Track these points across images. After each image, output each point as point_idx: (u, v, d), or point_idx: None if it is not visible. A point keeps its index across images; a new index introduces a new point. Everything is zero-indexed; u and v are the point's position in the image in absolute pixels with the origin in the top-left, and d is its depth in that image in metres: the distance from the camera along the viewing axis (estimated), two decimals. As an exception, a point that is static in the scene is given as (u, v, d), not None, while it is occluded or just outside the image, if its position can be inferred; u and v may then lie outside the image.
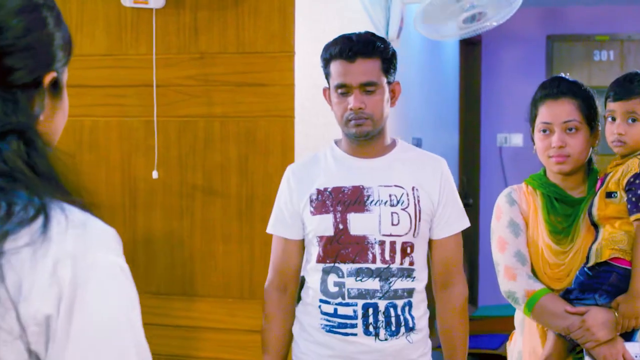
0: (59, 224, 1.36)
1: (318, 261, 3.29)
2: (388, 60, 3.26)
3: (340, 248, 3.25)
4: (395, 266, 3.23)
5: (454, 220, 3.35)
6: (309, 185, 3.33)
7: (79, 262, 1.35)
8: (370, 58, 3.22)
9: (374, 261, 3.22)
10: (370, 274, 3.22)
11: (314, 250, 3.32)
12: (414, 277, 3.27)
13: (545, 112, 3.32)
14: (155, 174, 4.28)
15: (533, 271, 3.32)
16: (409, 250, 3.25)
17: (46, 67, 1.49)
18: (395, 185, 3.28)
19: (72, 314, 1.33)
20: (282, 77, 4.14)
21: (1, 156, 1.37)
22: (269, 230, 3.45)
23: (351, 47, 3.22)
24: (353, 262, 3.22)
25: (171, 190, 4.35)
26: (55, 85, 1.52)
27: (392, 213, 3.24)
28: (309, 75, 4.24)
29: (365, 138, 3.27)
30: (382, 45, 3.26)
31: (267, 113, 4.18)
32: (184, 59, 4.30)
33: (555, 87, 3.34)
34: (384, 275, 3.22)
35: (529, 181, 3.44)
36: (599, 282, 3.14)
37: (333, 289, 3.26)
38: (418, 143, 6.69)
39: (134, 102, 4.36)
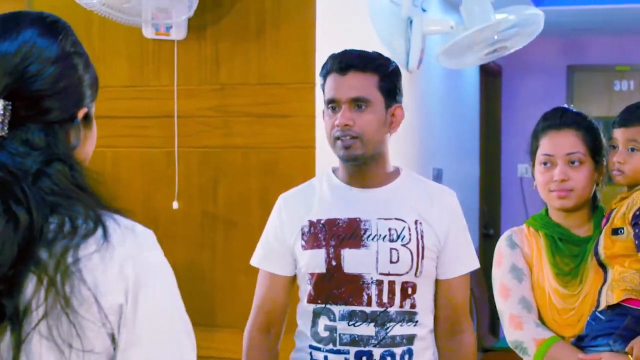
0: (115, 231, 1.67)
1: (309, 301, 2.96)
2: (387, 78, 2.94)
3: (333, 287, 2.90)
4: (393, 309, 2.88)
5: (463, 259, 3.03)
6: (302, 217, 3.00)
7: (137, 261, 1.68)
8: (363, 72, 2.91)
9: (369, 303, 2.87)
10: (365, 318, 2.87)
11: (304, 288, 2.98)
12: (417, 322, 2.92)
13: (547, 144, 3.12)
14: (175, 205, 4.29)
15: (541, 319, 3.08)
16: (410, 291, 2.91)
17: (78, 104, 1.75)
18: (396, 219, 2.93)
19: (137, 302, 1.66)
20: (303, 108, 4.15)
21: (52, 180, 1.64)
22: (253, 262, 3.12)
23: (344, 59, 2.93)
24: (346, 303, 2.88)
25: (192, 221, 4.36)
26: (86, 117, 1.78)
27: (391, 249, 2.89)
28: (329, 106, 4.24)
29: (356, 163, 2.93)
30: (380, 61, 2.96)
31: (289, 144, 4.19)
32: (205, 90, 4.32)
33: (558, 118, 3.15)
34: (380, 319, 2.87)
35: (530, 222, 3.20)
36: (613, 327, 2.90)
37: (324, 333, 2.91)
38: (439, 173, 6.69)
39: (156, 133, 4.38)
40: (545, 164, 3.13)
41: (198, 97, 4.33)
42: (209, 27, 4.31)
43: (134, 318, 1.66)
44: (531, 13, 5.09)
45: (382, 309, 2.87)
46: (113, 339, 1.66)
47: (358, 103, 2.89)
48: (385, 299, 2.88)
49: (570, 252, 3.10)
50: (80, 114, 1.76)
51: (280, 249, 3.03)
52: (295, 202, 3.07)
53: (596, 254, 3.00)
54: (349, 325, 2.88)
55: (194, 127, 4.33)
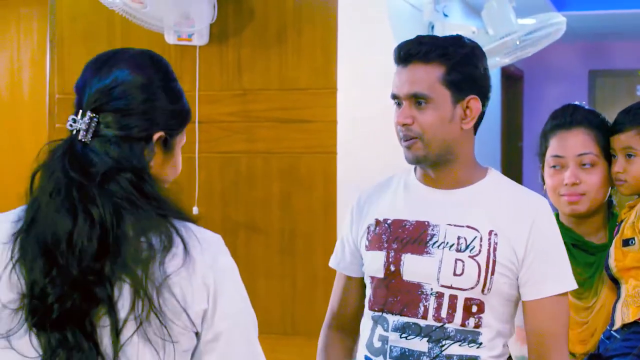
0: (193, 243, 1.94)
1: (369, 307, 2.69)
2: (456, 68, 2.57)
3: (389, 295, 2.62)
4: (452, 326, 2.54)
5: (547, 279, 2.57)
6: (370, 214, 2.73)
7: (215, 269, 1.95)
8: (425, 63, 2.56)
9: (424, 316, 2.56)
10: (419, 331, 2.57)
11: (367, 293, 2.72)
12: (480, 344, 2.56)
13: (557, 145, 2.87)
14: (195, 210, 4.29)
15: None
16: (475, 309, 2.55)
17: (155, 128, 1.99)
18: (468, 226, 2.58)
19: (216, 303, 1.94)
20: (325, 114, 4.15)
21: (119, 185, 1.89)
22: (330, 263, 2.91)
23: (405, 48, 2.60)
24: (400, 313, 2.59)
25: (213, 226, 4.34)
26: (166, 143, 2.02)
27: (456, 260, 2.55)
28: (351, 111, 4.25)
29: (421, 165, 2.64)
30: (448, 49, 2.57)
31: (310, 149, 4.19)
32: (227, 95, 4.33)
33: (567, 116, 2.89)
34: (434, 335, 2.55)
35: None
36: (629, 346, 2.65)
37: (377, 344, 2.64)
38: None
39: (177, 138, 4.38)
40: (554, 166, 2.89)
41: (220, 102, 4.34)
42: (230, 33, 4.32)
43: (214, 316, 1.94)
44: (554, 21, 5.08)
45: (438, 324, 2.55)
46: (197, 335, 1.94)
47: (417, 99, 2.56)
48: (443, 314, 2.55)
49: (584, 260, 2.86)
50: (156, 136, 1.99)
51: (351, 248, 2.80)
52: (367, 199, 2.78)
53: (607, 268, 2.77)
54: (400, 337, 2.59)
55: (216, 133, 4.33)
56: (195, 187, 4.33)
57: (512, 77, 9.03)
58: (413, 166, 2.71)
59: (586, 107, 2.96)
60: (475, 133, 2.68)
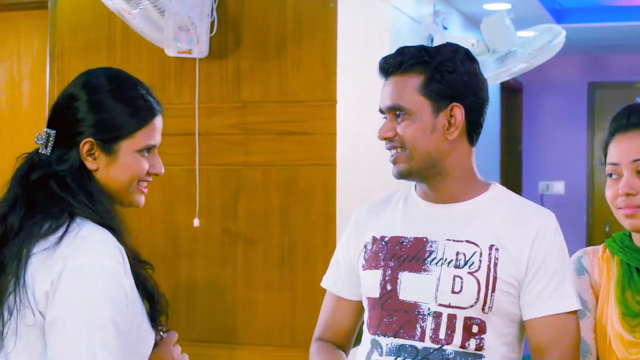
0: (68, 238, 2.09)
1: (368, 329, 2.52)
2: (436, 76, 2.44)
3: (384, 315, 2.46)
4: (451, 348, 2.37)
5: (549, 296, 2.40)
6: (368, 232, 2.59)
7: (68, 262, 2.06)
8: (404, 74, 2.46)
9: (421, 338, 2.39)
10: (415, 354, 2.39)
11: (365, 315, 2.57)
12: None
13: (613, 151, 2.47)
14: (196, 222, 4.30)
15: None
16: (475, 329, 2.38)
17: (79, 136, 2.19)
18: (468, 241, 2.43)
19: (56, 289, 2.05)
20: (324, 126, 4.15)
21: (44, 191, 2.17)
22: (322, 283, 2.76)
23: (385, 61, 2.53)
24: (395, 335, 2.42)
25: (213, 238, 4.36)
26: (106, 148, 2.20)
27: (454, 277, 2.40)
28: (351, 123, 4.25)
29: (409, 179, 2.52)
30: (425, 57, 2.45)
31: (309, 162, 4.19)
32: (227, 108, 4.33)
33: (625, 118, 2.48)
34: (432, 358, 2.38)
35: (609, 242, 2.55)
36: None
37: None
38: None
39: (177, 150, 4.39)
40: (611, 175, 2.47)
41: (219, 114, 4.34)
42: (230, 45, 4.32)
43: (53, 300, 2.05)
44: (554, 32, 5.08)
45: (436, 346, 2.38)
46: (42, 315, 2.07)
47: (396, 112, 2.47)
48: (441, 335, 2.38)
49: None
50: (83, 144, 2.19)
51: (347, 268, 2.64)
52: (365, 216, 2.65)
53: None
54: None
55: (215, 145, 4.34)
56: (195, 199, 4.33)
57: (511, 90, 9.04)
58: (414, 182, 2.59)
59: None
60: (473, 144, 2.55)
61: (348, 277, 2.63)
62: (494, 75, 5.43)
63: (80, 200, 2.16)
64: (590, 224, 9.04)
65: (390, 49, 4.89)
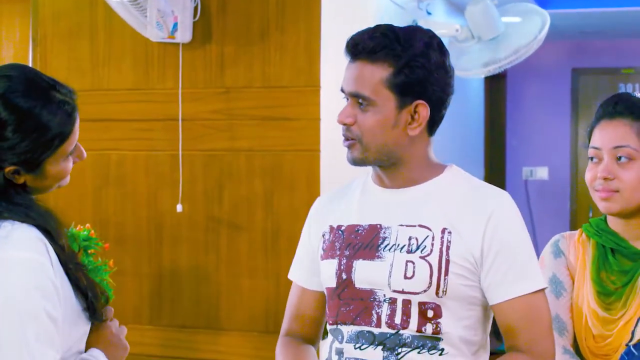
0: None
1: (328, 320, 2.51)
2: (404, 70, 2.34)
3: (341, 304, 2.43)
4: (408, 333, 2.34)
5: (513, 279, 2.34)
6: (325, 222, 2.55)
7: None
8: (372, 62, 2.35)
9: (378, 324, 2.36)
10: (372, 340, 2.38)
11: (326, 306, 2.54)
12: (442, 351, 2.35)
13: (596, 135, 2.57)
14: (179, 208, 4.29)
15: (576, 343, 2.59)
16: (430, 314, 2.35)
17: (4, 163, 2.12)
18: (420, 225, 2.38)
19: None
20: (308, 112, 4.15)
21: None
22: (289, 275, 2.72)
23: (355, 41, 2.38)
24: (353, 323, 2.40)
25: (197, 224, 4.35)
26: (31, 169, 2.15)
27: (406, 262, 2.35)
28: (335, 109, 4.20)
29: (362, 166, 2.46)
30: (397, 49, 2.34)
31: (293, 147, 4.19)
32: (210, 93, 4.32)
33: (611, 105, 2.57)
34: (389, 343, 2.35)
35: (586, 226, 2.66)
36: None
37: (334, 358, 2.45)
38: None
39: (160, 136, 4.38)
40: (592, 158, 2.57)
41: (203, 100, 4.33)
42: (214, 31, 4.31)
43: None
44: (540, 20, 5.08)
45: (393, 331, 2.35)
46: None
47: (359, 100, 2.37)
48: (397, 320, 2.35)
49: (620, 268, 2.57)
50: (7, 170, 2.14)
51: (309, 258, 2.59)
52: (324, 205, 2.61)
53: None
54: (355, 348, 2.39)
55: (199, 130, 4.33)
56: (179, 184, 4.32)
57: (494, 76, 9.00)
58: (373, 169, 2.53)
59: (634, 97, 2.62)
60: (432, 134, 2.47)
61: (310, 268, 2.58)
62: (481, 68, 5.42)
63: (10, 208, 2.14)
64: (574, 209, 9.05)
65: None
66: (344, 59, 4.24)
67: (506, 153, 9.41)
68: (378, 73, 2.34)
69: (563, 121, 9.31)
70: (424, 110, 2.37)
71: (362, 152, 2.39)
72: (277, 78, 4.22)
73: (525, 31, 5.20)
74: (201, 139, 4.33)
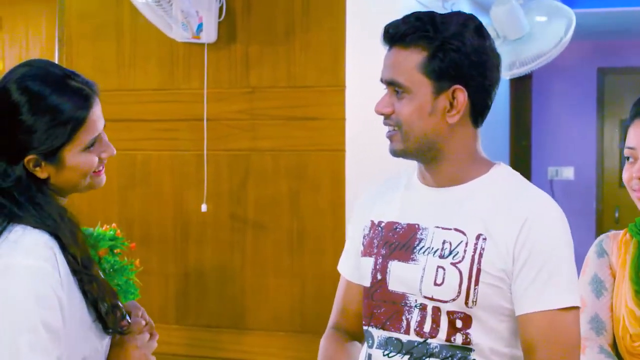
0: (2, 239, 2.07)
1: (363, 319, 2.41)
2: (440, 53, 2.22)
3: (374, 306, 2.33)
4: (436, 342, 2.22)
5: (536, 291, 2.17)
6: (367, 216, 2.44)
7: None
8: (405, 48, 2.24)
9: (406, 331, 2.26)
10: (400, 347, 2.27)
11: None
12: None
13: (631, 134, 2.48)
14: (204, 207, 4.30)
15: (615, 344, 2.52)
16: (460, 324, 2.22)
17: (20, 152, 2.12)
18: (456, 229, 2.25)
19: None
20: (333, 111, 4.15)
21: None
22: (338, 266, 2.59)
23: (389, 28, 2.27)
24: (383, 327, 2.31)
25: (222, 223, 4.36)
26: (50, 159, 2.14)
27: (437, 267, 2.23)
28: (359, 109, 4.24)
29: (405, 158, 2.33)
30: (432, 30, 2.22)
31: (318, 147, 4.19)
32: (235, 93, 4.33)
33: None
34: (416, 352, 2.25)
35: (631, 226, 2.57)
36: None
37: None
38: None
39: (185, 136, 4.39)
40: (628, 158, 2.49)
41: (228, 100, 4.33)
42: (239, 31, 4.32)
43: None
44: (566, 21, 5.05)
45: (420, 340, 2.24)
46: None
47: (395, 88, 2.26)
48: (426, 328, 2.24)
49: None
50: (27, 159, 2.13)
51: (354, 251, 2.47)
52: (370, 198, 2.49)
53: None
54: (383, 355, 2.30)
55: (224, 130, 4.33)
56: (203, 184, 4.33)
57: (520, 76, 9.01)
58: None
59: None
60: (477, 126, 2.34)
61: (355, 261, 2.45)
62: (506, 71, 5.41)
63: (25, 209, 2.13)
64: (600, 209, 9.01)
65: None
66: (368, 58, 4.24)
67: (532, 153, 9.38)
68: (412, 58, 2.23)
69: (589, 121, 9.27)
70: (461, 96, 2.24)
71: (402, 142, 2.27)
72: (302, 78, 4.22)
73: (551, 31, 5.18)
74: (226, 138, 4.34)
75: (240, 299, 4.32)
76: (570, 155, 9.19)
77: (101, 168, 2.26)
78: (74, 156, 2.17)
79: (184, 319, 4.40)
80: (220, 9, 4.25)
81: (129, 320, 2.26)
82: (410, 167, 2.46)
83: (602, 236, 2.63)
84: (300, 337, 4.23)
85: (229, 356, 4.34)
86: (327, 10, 4.17)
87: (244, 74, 4.31)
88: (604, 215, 8.97)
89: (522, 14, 5.21)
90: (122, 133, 4.45)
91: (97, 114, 2.19)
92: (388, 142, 2.32)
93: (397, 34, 2.23)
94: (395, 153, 2.30)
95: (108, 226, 3.69)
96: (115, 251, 3.63)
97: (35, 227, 2.09)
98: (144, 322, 2.28)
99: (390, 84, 2.25)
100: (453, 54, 2.21)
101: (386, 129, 2.30)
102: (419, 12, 2.28)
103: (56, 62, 4.58)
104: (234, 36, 4.32)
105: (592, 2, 7.75)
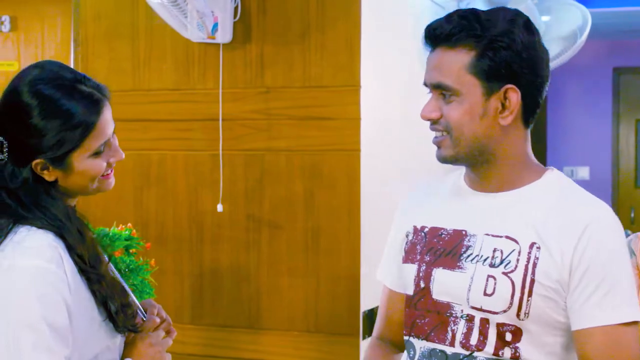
0: (9, 241, 2.09)
1: (404, 329, 2.33)
2: (489, 52, 2.12)
3: (417, 316, 2.24)
4: (483, 355, 2.13)
5: (594, 306, 2.07)
6: (410, 220, 2.36)
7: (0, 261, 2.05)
8: (452, 48, 2.14)
9: (452, 343, 2.16)
10: None
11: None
12: None
13: None
14: (220, 208, 4.30)
15: None
16: (510, 337, 2.12)
17: (29, 155, 2.14)
18: (507, 237, 2.15)
19: None
20: (348, 111, 4.14)
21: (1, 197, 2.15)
22: (377, 275, 2.52)
23: (431, 28, 2.18)
24: (427, 338, 2.21)
25: (237, 223, 4.36)
26: (57, 163, 2.15)
27: (488, 276, 2.13)
28: (375, 108, 4.24)
29: (452, 164, 2.25)
30: (480, 29, 2.12)
31: (333, 147, 4.18)
32: (250, 93, 4.33)
33: None
34: None
35: None
36: None
37: None
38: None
39: (201, 136, 4.39)
40: None
41: (243, 100, 4.34)
42: (254, 31, 4.32)
43: None
44: (582, 21, 5.04)
45: (466, 353, 2.15)
46: None
47: (442, 91, 2.17)
48: (473, 341, 2.14)
49: None
50: (35, 163, 2.15)
51: (395, 258, 2.40)
52: (411, 201, 2.41)
53: None
54: None
55: (239, 130, 4.33)
56: (219, 184, 4.33)
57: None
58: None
59: None
60: (527, 126, 2.27)
61: (396, 268, 2.38)
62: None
63: (30, 210, 2.15)
64: (616, 209, 8.99)
65: (413, 33, 4.87)
66: (384, 58, 4.25)
67: (547, 153, 9.37)
68: (459, 58, 2.14)
69: (604, 121, 9.26)
70: (514, 96, 2.16)
71: (452, 148, 2.19)
72: (317, 78, 4.22)
73: (566, 31, 5.17)
74: (241, 138, 4.34)
75: (256, 299, 4.32)
76: (586, 155, 9.18)
77: (109, 172, 2.28)
78: (82, 161, 2.19)
79: (199, 319, 4.40)
80: (236, 9, 4.25)
81: (144, 318, 2.28)
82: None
83: (630, 236, 2.56)
84: (315, 337, 4.23)
85: (244, 356, 4.34)
86: (343, 11, 4.17)
87: (259, 74, 4.31)
88: (620, 215, 8.91)
89: (537, 14, 5.19)
90: (137, 133, 4.45)
91: (107, 118, 2.22)
92: (435, 148, 2.24)
93: (442, 34, 2.15)
94: (445, 159, 2.22)
95: (123, 226, 3.69)
96: (130, 251, 3.64)
97: (40, 227, 2.11)
98: (158, 320, 2.30)
99: (436, 87, 2.18)
100: (503, 52, 2.12)
101: (433, 134, 2.22)
102: (460, 10, 2.20)
103: (72, 62, 4.60)
104: (249, 36, 4.32)
105: (608, 2, 7.74)
